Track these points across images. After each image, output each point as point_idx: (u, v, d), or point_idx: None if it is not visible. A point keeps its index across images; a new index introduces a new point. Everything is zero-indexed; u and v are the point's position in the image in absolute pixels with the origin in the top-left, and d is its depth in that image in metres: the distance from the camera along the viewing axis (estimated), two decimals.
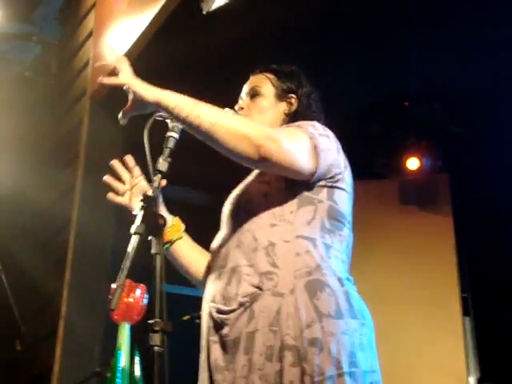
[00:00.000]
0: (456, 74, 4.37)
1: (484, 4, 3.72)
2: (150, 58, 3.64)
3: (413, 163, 5.06)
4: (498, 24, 3.86)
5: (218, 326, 1.77)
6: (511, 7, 3.71)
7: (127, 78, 1.78)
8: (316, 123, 1.91)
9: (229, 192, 2.02)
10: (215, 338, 1.77)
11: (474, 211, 5.57)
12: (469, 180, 5.36)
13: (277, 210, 1.81)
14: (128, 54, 3.66)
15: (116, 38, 3.82)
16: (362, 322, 1.73)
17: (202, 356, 1.82)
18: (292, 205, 1.81)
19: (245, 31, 3.63)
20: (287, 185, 1.83)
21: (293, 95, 2.06)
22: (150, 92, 1.76)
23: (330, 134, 1.91)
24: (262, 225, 1.81)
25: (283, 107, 2.05)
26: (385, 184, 5.25)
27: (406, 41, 4.02)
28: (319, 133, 1.85)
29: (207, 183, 5.17)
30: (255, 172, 1.94)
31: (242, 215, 1.87)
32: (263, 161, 1.72)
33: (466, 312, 5.08)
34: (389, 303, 4.69)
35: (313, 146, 1.80)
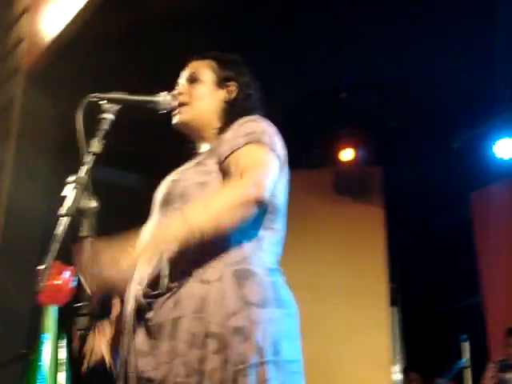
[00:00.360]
0: (393, 69, 4.44)
1: None
2: (87, 32, 3.58)
3: (347, 154, 5.12)
4: (434, 19, 3.93)
5: (143, 309, 1.76)
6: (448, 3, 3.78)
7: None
8: (265, 126, 1.89)
9: (163, 176, 2.00)
10: (140, 322, 1.76)
11: (406, 204, 5.69)
12: (402, 173, 5.46)
13: None
14: (66, 30, 3.60)
15: (52, 13, 3.74)
16: (287, 311, 1.75)
17: (126, 339, 1.80)
18: None
19: (181, 7, 3.60)
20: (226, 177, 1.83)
21: (232, 83, 2.05)
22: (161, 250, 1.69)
23: (275, 130, 1.91)
24: None
25: (222, 95, 2.04)
26: (320, 174, 5.30)
27: (344, 32, 4.05)
28: (271, 135, 1.86)
29: (141, 166, 5.11)
30: (196, 160, 1.93)
31: (175, 203, 1.85)
32: (260, 205, 1.74)
33: (394, 302, 5.19)
34: (319, 292, 4.75)
35: (276, 157, 1.82)
